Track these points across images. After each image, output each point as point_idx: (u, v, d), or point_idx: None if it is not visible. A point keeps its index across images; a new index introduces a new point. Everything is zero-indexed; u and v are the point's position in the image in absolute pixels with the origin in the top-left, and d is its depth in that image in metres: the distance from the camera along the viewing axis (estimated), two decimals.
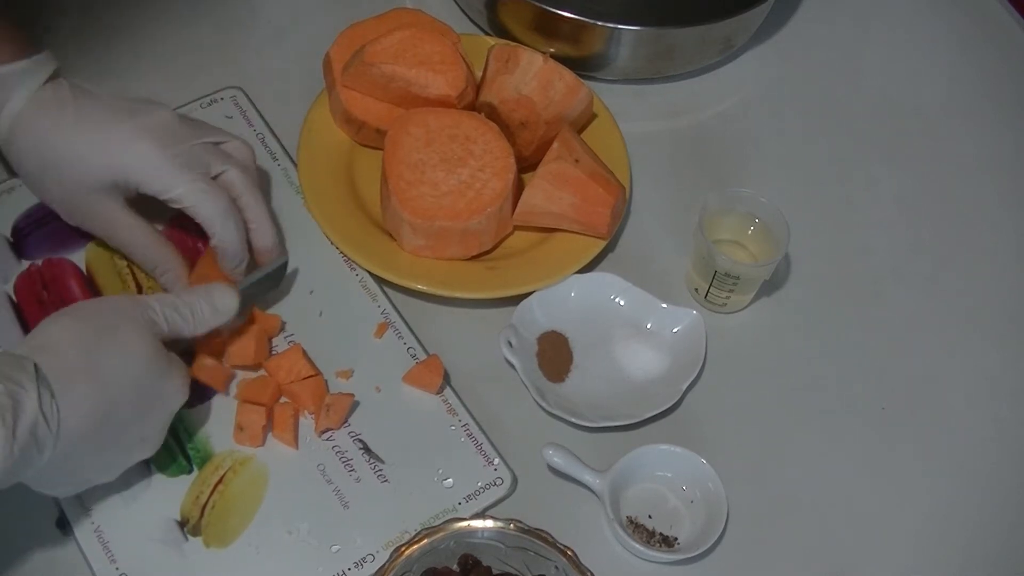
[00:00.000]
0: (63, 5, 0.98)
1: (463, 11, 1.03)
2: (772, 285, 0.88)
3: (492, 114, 0.89)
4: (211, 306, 0.75)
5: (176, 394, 0.72)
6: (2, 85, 0.76)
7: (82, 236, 0.85)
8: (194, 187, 0.77)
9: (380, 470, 0.78)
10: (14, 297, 0.82)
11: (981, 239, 0.95)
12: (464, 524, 0.70)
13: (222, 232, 0.78)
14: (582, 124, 0.93)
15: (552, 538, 0.70)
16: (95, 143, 0.76)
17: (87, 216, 0.79)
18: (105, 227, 0.79)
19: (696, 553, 0.75)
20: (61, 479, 0.69)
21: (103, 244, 0.84)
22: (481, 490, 0.78)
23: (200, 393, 0.79)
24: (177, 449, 0.77)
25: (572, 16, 0.94)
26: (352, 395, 0.79)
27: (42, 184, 0.79)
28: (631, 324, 0.85)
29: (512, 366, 0.82)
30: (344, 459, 0.78)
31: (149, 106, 0.79)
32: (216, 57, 0.98)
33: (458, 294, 0.84)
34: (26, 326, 0.81)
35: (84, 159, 0.76)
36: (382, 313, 0.85)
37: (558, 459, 0.78)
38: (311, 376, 0.79)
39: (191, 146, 0.78)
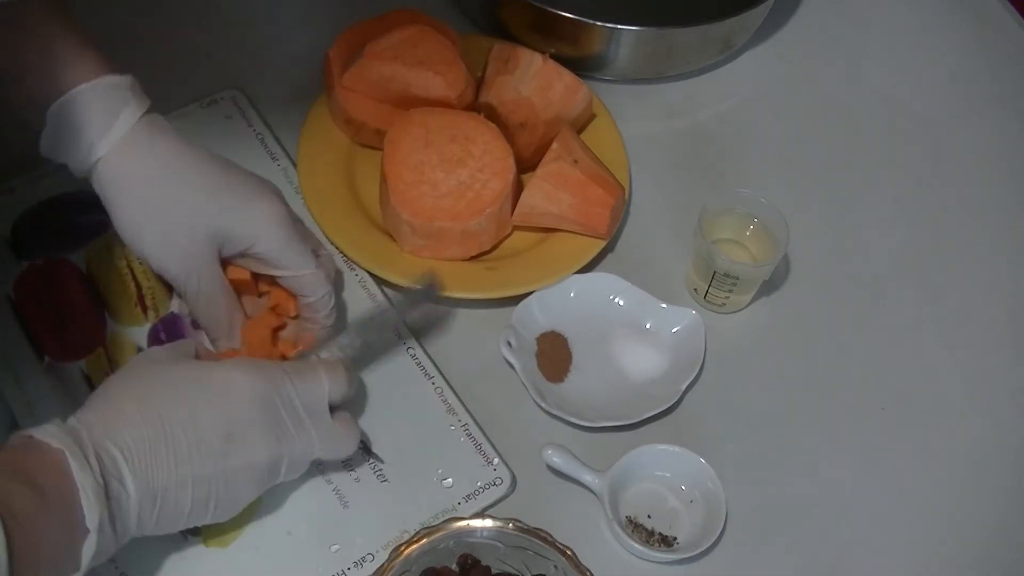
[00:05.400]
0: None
1: (463, 11, 1.03)
2: (771, 285, 0.88)
3: (491, 114, 0.89)
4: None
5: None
6: (106, 99, 0.72)
7: (82, 236, 0.85)
8: (313, 268, 0.77)
9: (379, 470, 0.78)
10: (13, 297, 0.83)
11: (981, 239, 0.95)
12: (463, 524, 0.70)
13: (327, 313, 0.79)
14: (581, 124, 0.93)
15: (551, 538, 0.70)
16: (230, 203, 0.74)
17: (181, 265, 0.74)
18: (195, 279, 0.75)
19: (695, 553, 0.75)
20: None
21: (104, 244, 0.85)
22: (480, 490, 0.78)
23: None
24: None
25: (572, 16, 0.94)
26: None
27: (140, 223, 0.74)
28: (630, 324, 0.85)
29: (511, 366, 0.82)
30: (344, 459, 0.78)
31: (258, 176, 0.78)
32: (216, 57, 0.98)
33: (457, 294, 0.84)
34: (25, 326, 0.81)
35: (211, 215, 0.74)
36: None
37: (557, 459, 0.78)
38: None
39: (301, 226, 0.79)
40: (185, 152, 0.75)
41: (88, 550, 0.62)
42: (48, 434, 0.62)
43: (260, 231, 0.75)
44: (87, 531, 0.61)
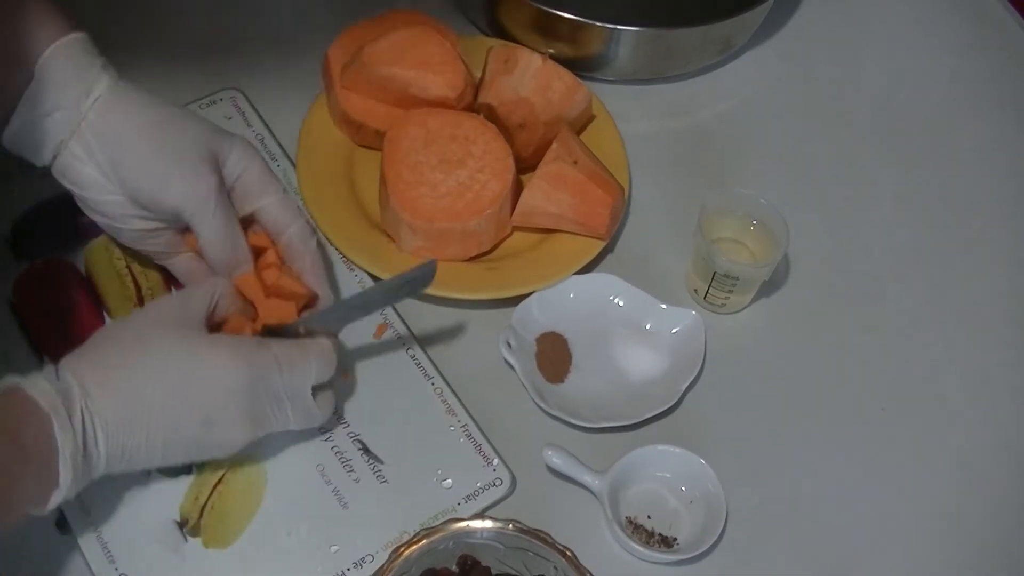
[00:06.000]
0: (61, 4, 0.98)
1: (462, 12, 1.03)
2: (771, 286, 0.88)
3: (491, 115, 0.89)
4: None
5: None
6: (74, 58, 0.73)
7: (81, 236, 0.85)
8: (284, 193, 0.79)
9: (379, 470, 0.78)
10: (13, 298, 0.82)
11: (981, 239, 0.95)
12: (463, 524, 0.70)
13: (312, 245, 0.79)
14: (581, 125, 0.93)
15: (551, 538, 0.70)
16: (216, 131, 0.77)
17: (195, 192, 0.74)
18: (212, 204, 0.74)
19: (695, 553, 0.75)
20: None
21: (103, 245, 0.85)
22: (480, 491, 0.78)
23: None
24: None
25: (571, 16, 0.94)
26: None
27: (146, 165, 0.74)
28: (630, 325, 0.85)
29: (511, 367, 0.82)
30: (343, 459, 0.78)
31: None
32: (215, 58, 0.97)
33: (457, 295, 0.84)
34: (25, 327, 0.81)
35: (207, 144, 0.75)
36: (381, 313, 0.85)
37: (557, 460, 0.78)
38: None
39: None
40: (155, 98, 0.76)
41: (55, 499, 0.65)
42: (38, 391, 0.64)
43: (246, 155, 0.77)
44: (58, 485, 0.64)
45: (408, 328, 0.84)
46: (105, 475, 0.68)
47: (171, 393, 0.68)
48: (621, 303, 0.86)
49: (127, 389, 0.67)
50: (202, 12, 1.00)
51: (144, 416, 0.67)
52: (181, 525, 0.75)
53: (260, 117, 0.94)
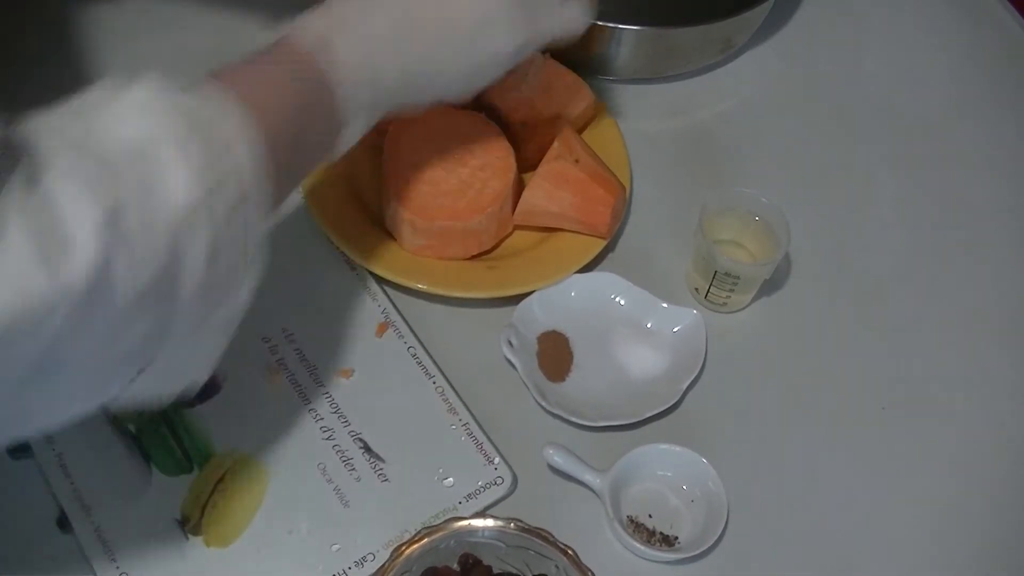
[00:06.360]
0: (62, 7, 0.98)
1: None
2: (772, 285, 0.88)
3: (492, 114, 0.89)
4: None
5: None
6: None
7: None
8: None
9: (380, 469, 0.78)
10: None
11: (982, 239, 0.95)
12: (464, 523, 0.70)
13: None
14: (582, 124, 0.93)
15: (552, 537, 0.70)
16: None
17: None
18: None
19: (696, 552, 0.75)
20: None
21: None
22: (481, 489, 0.78)
23: (202, 392, 0.79)
24: (177, 448, 0.77)
25: None
26: None
27: None
28: (631, 324, 0.85)
29: (512, 365, 0.82)
30: (344, 458, 0.78)
31: None
32: (216, 58, 0.97)
33: (458, 293, 0.84)
34: None
35: None
36: (382, 313, 0.85)
37: (558, 458, 0.78)
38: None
39: None
40: None
41: (346, 138, 0.67)
42: (309, 23, 0.66)
43: None
44: (345, 123, 0.67)
45: (409, 327, 0.84)
46: (394, 105, 0.69)
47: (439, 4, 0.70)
48: (622, 302, 0.86)
49: (399, 10, 0.68)
50: (202, 12, 1.00)
51: (418, 33, 0.69)
52: (182, 524, 0.75)
53: None
